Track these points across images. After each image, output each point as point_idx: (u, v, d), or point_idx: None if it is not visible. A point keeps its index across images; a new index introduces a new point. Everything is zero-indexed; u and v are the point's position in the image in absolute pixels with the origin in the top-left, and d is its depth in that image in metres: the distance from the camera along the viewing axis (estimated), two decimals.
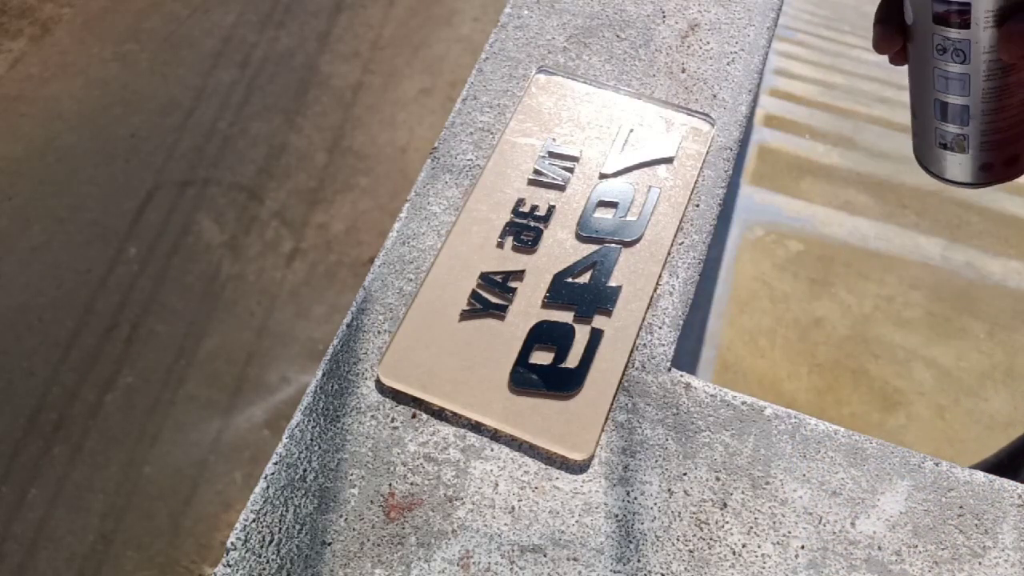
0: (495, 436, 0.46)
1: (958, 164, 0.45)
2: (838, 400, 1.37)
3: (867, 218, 1.58)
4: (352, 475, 0.45)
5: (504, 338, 0.49)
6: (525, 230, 0.52)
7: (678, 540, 0.43)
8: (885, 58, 0.42)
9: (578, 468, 0.45)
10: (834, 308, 1.46)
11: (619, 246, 0.52)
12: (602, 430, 0.46)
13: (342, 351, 0.49)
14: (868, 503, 0.44)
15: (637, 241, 0.52)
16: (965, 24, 0.40)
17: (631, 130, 0.56)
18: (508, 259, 0.51)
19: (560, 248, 0.52)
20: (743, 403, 0.47)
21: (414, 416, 0.47)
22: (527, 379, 0.47)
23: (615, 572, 0.42)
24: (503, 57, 0.61)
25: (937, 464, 0.45)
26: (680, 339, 0.50)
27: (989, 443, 1.19)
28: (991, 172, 0.43)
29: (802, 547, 0.43)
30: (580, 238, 0.52)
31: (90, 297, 1.73)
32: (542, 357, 0.48)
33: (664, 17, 0.63)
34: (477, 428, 0.46)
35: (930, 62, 0.42)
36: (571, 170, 0.55)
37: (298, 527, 0.44)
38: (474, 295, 0.50)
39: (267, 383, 1.63)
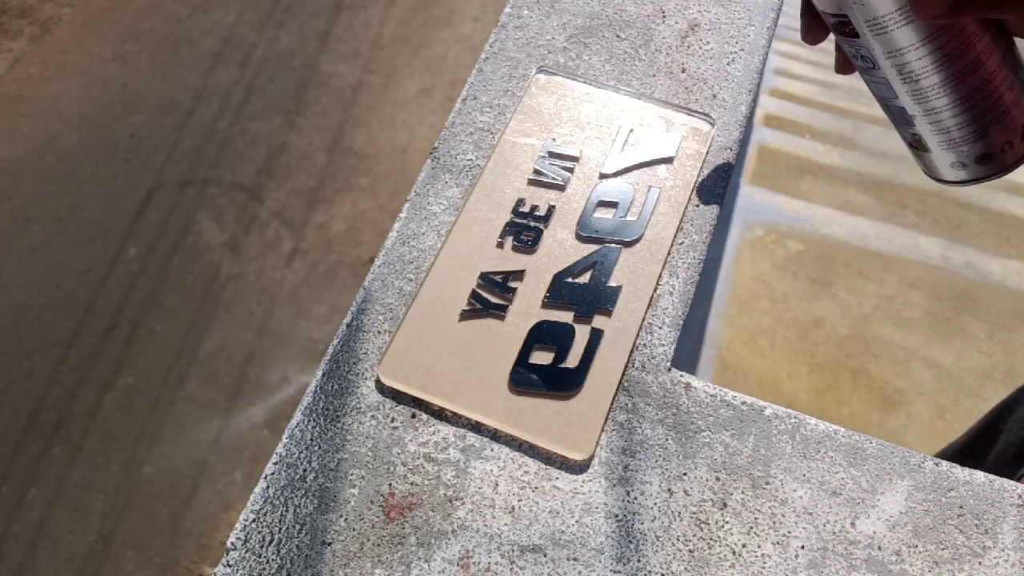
0: (495, 436, 0.46)
1: (932, 163, 0.43)
2: (838, 400, 1.37)
3: (867, 218, 1.58)
4: (352, 475, 0.45)
5: (504, 338, 0.49)
6: (525, 230, 0.52)
7: (678, 540, 0.43)
8: None
9: (578, 468, 0.45)
10: (834, 308, 1.46)
11: (619, 246, 0.52)
12: (602, 430, 0.46)
13: (342, 351, 0.49)
14: (868, 503, 0.44)
15: (637, 241, 0.52)
16: (854, 34, 0.39)
17: (631, 130, 0.56)
18: (508, 259, 0.51)
19: (560, 248, 0.52)
20: (743, 403, 0.47)
21: (414, 416, 0.47)
22: (527, 379, 0.47)
23: (615, 572, 0.42)
24: (503, 57, 0.61)
25: (937, 464, 0.45)
26: (680, 339, 0.50)
27: None
28: (966, 170, 0.42)
29: (802, 547, 0.43)
30: (580, 238, 0.52)
31: (90, 297, 1.73)
32: (542, 357, 0.48)
33: (664, 17, 0.63)
34: (477, 428, 0.46)
35: (857, 68, 0.42)
36: (571, 170, 0.55)
37: (298, 527, 0.44)
38: (474, 295, 0.50)
39: (267, 383, 1.63)
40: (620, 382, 0.47)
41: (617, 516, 0.44)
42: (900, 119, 0.43)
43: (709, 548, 0.43)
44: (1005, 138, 0.40)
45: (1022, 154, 0.41)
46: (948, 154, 0.42)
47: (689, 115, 0.57)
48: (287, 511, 0.44)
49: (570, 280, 0.50)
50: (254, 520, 0.44)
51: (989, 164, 0.41)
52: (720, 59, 0.60)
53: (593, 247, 0.52)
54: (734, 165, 0.57)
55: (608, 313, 0.49)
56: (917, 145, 0.43)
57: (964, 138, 0.40)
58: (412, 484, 0.45)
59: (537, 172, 0.55)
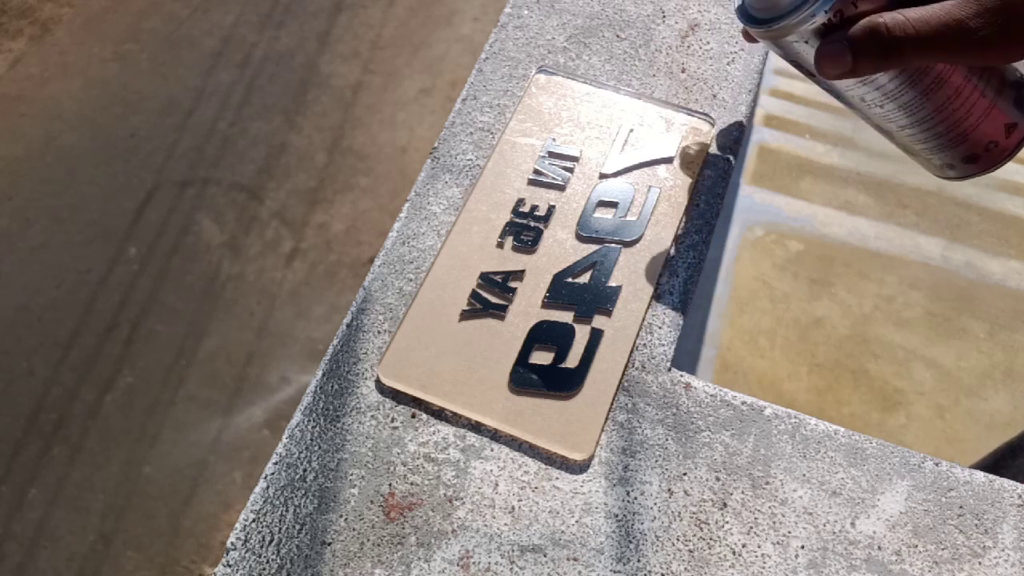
0: (495, 436, 0.46)
1: (923, 163, 0.44)
2: (838, 400, 1.37)
3: (867, 218, 1.58)
4: (352, 475, 0.45)
5: (504, 338, 0.49)
6: (525, 230, 0.52)
7: (678, 540, 0.43)
8: None
9: (578, 468, 0.45)
10: (834, 308, 1.46)
11: (619, 246, 0.52)
12: (602, 430, 0.46)
13: (342, 351, 0.49)
14: (868, 503, 0.44)
15: (637, 241, 0.52)
16: (798, 67, 0.41)
17: (631, 130, 0.56)
18: (508, 259, 0.51)
19: (560, 248, 0.52)
20: (743, 403, 0.47)
21: (414, 416, 0.47)
22: (527, 379, 0.47)
23: (615, 572, 0.42)
24: (503, 57, 0.61)
25: (937, 464, 0.45)
26: (680, 339, 0.50)
27: (989, 443, 1.19)
28: (955, 170, 0.42)
29: (802, 547, 0.43)
30: (580, 238, 0.52)
31: (90, 297, 1.73)
32: (542, 357, 0.48)
33: (664, 17, 0.63)
34: (477, 428, 0.46)
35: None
36: (571, 170, 0.55)
37: (298, 527, 0.44)
38: (474, 295, 0.50)
39: (267, 383, 1.63)
40: (620, 382, 0.47)
41: (617, 516, 0.44)
42: (881, 132, 0.43)
43: (709, 548, 0.43)
44: (988, 140, 0.39)
45: (1010, 148, 0.40)
46: (934, 157, 0.42)
47: (689, 115, 0.57)
48: (287, 511, 0.44)
49: (570, 280, 0.50)
50: (254, 520, 0.44)
51: (976, 163, 0.41)
52: (720, 59, 0.60)
53: (593, 247, 0.52)
54: (734, 165, 0.57)
55: (608, 313, 0.49)
56: (904, 151, 0.44)
57: (943, 146, 0.40)
58: (412, 484, 0.45)
59: (537, 172, 0.55)
